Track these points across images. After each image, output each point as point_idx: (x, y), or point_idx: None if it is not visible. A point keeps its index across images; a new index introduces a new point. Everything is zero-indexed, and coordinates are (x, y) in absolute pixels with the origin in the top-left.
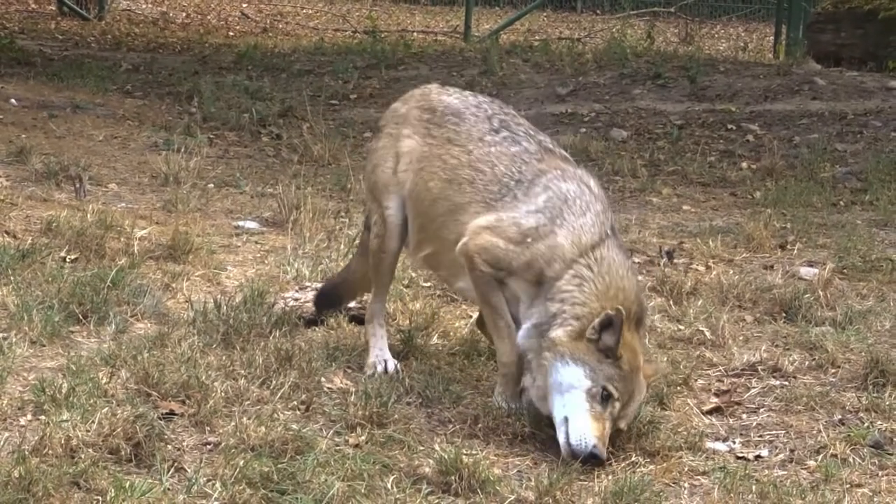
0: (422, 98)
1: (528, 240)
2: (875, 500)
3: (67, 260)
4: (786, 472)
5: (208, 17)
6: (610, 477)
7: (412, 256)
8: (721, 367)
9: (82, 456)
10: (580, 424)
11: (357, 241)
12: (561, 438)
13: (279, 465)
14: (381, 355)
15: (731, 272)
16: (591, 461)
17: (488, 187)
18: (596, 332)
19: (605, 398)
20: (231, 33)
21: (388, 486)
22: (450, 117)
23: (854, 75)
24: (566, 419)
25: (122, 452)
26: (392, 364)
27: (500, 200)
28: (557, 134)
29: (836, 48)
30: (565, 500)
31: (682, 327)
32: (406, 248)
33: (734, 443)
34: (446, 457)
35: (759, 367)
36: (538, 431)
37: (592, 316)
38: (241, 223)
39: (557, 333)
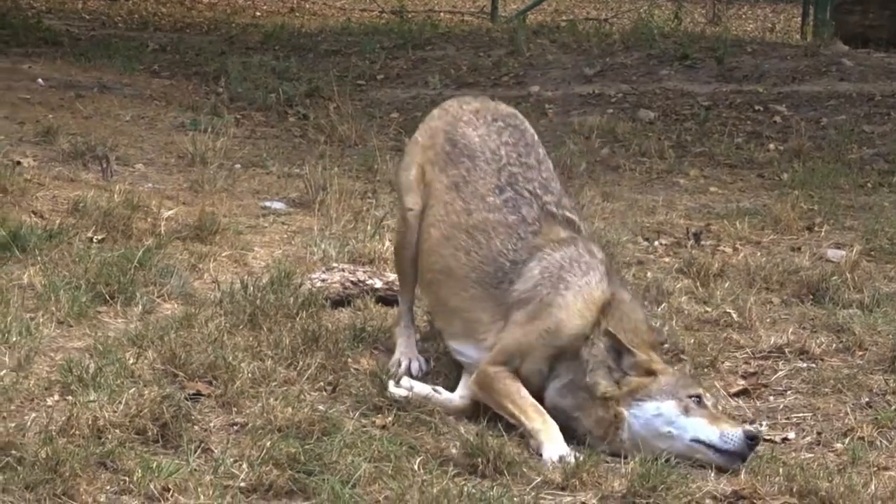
0: (451, 122)
1: (538, 321)
2: None
3: (94, 240)
4: (813, 455)
5: None
6: (637, 459)
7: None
8: (748, 350)
9: (109, 436)
10: (711, 432)
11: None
12: (712, 457)
13: (306, 446)
14: (406, 353)
15: (759, 254)
16: (754, 443)
17: (483, 266)
18: (616, 363)
19: (698, 400)
20: (258, 13)
21: (415, 467)
22: (464, 160)
23: (882, 56)
24: (698, 440)
25: (149, 433)
26: (416, 365)
27: (497, 287)
28: (584, 115)
29: (864, 29)
30: (592, 482)
31: (709, 309)
32: None
33: (761, 425)
34: (472, 439)
35: (787, 350)
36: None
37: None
38: (267, 204)
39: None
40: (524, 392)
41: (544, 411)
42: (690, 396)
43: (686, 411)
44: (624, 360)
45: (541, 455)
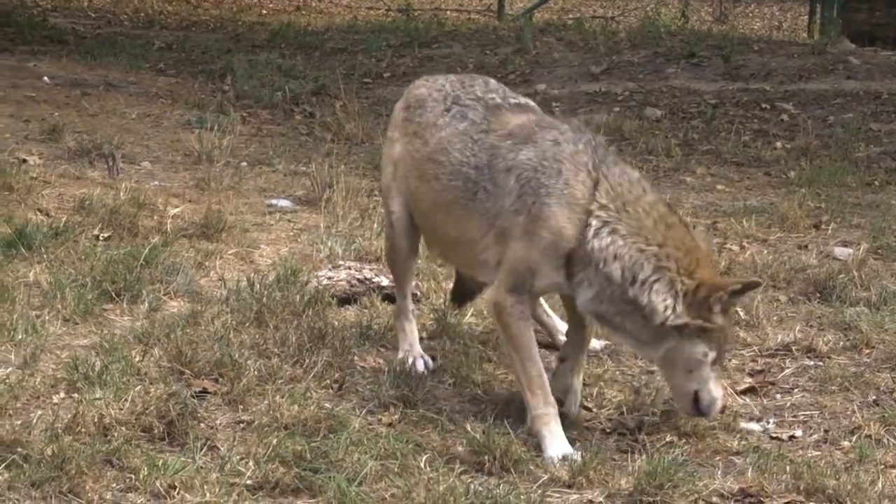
0: (406, 96)
1: (531, 231)
2: None
3: (100, 238)
4: (820, 453)
5: None
6: (644, 456)
7: (430, 253)
8: (755, 348)
9: (115, 434)
10: (709, 392)
11: None
12: (688, 409)
13: (312, 444)
14: (410, 351)
15: (766, 252)
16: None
17: (452, 182)
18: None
19: (716, 359)
20: (264, 11)
21: (421, 465)
22: (417, 110)
23: (889, 55)
24: (698, 393)
25: (155, 431)
26: (421, 363)
27: (473, 199)
28: (591, 112)
29: (871, 27)
30: (599, 480)
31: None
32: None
33: (768, 423)
34: (478, 437)
35: (794, 348)
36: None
37: (658, 254)
38: (274, 201)
39: (666, 303)
40: (536, 356)
41: (550, 394)
42: (720, 353)
43: (712, 364)
44: (688, 300)
45: (541, 447)
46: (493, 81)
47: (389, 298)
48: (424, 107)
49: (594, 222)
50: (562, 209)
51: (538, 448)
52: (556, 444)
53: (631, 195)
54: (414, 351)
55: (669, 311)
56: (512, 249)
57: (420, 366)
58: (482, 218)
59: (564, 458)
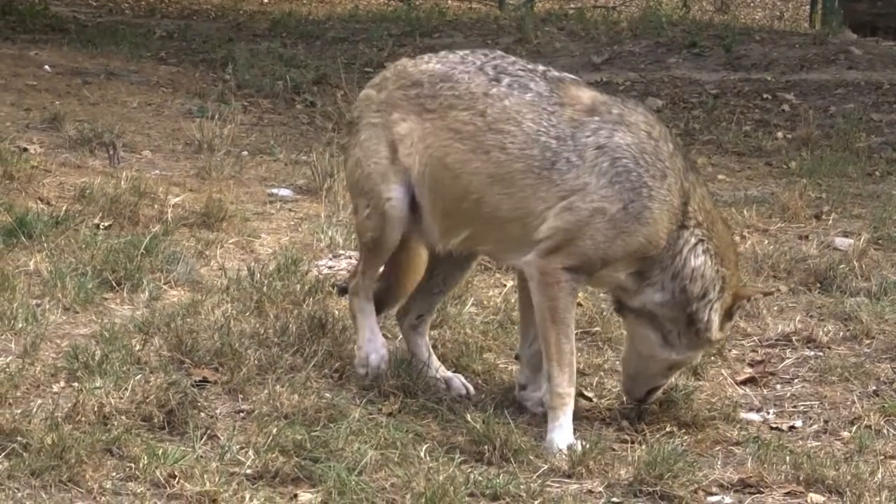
0: (400, 76)
1: (623, 228)
2: None
3: (101, 227)
4: (820, 443)
5: None
6: (643, 447)
7: (439, 244)
8: (755, 338)
9: (115, 423)
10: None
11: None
12: (639, 394)
13: (312, 433)
14: (369, 346)
15: (766, 242)
16: None
17: (526, 151)
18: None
19: None
20: (265, 0)
21: (421, 454)
22: (441, 84)
23: (890, 45)
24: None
25: (155, 419)
26: (377, 357)
27: (552, 168)
28: None
29: (873, 17)
30: (598, 470)
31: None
32: (420, 237)
33: (768, 413)
34: (478, 426)
35: (794, 338)
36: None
37: (725, 276)
38: (274, 191)
39: (719, 320)
40: (573, 334)
41: (575, 376)
42: None
43: None
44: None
45: (548, 427)
46: (499, 53)
47: None
48: (453, 79)
49: (692, 239)
50: (662, 216)
51: (541, 436)
52: (565, 433)
53: (713, 212)
54: (373, 344)
55: (718, 328)
56: (589, 234)
57: (374, 360)
58: (553, 189)
59: (569, 449)
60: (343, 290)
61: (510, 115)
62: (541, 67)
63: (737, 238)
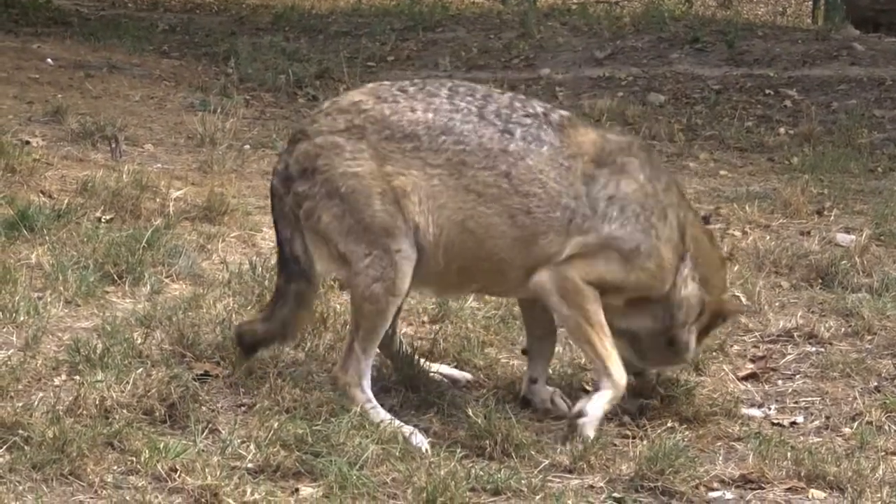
0: (382, 126)
1: (637, 265)
2: None
3: (103, 220)
4: (821, 439)
5: None
6: (645, 442)
7: (443, 295)
8: (757, 333)
9: (116, 416)
10: None
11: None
12: None
13: (313, 427)
14: (407, 430)
15: (768, 238)
16: None
17: (551, 214)
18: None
19: None
20: None
21: (423, 449)
22: (443, 138)
23: (893, 41)
24: None
25: (157, 413)
26: (421, 436)
27: (569, 224)
28: (595, 97)
29: (875, 13)
30: (600, 465)
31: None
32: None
33: (769, 409)
34: (480, 421)
35: (795, 334)
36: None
37: (706, 302)
38: None
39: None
40: (608, 329)
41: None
42: None
43: None
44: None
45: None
46: (469, 85)
47: None
48: (456, 132)
49: (685, 270)
50: (668, 253)
51: (543, 431)
52: (595, 424)
53: (701, 235)
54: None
55: (694, 348)
56: (604, 257)
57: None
58: (569, 238)
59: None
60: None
61: (535, 177)
62: (538, 108)
63: (725, 252)
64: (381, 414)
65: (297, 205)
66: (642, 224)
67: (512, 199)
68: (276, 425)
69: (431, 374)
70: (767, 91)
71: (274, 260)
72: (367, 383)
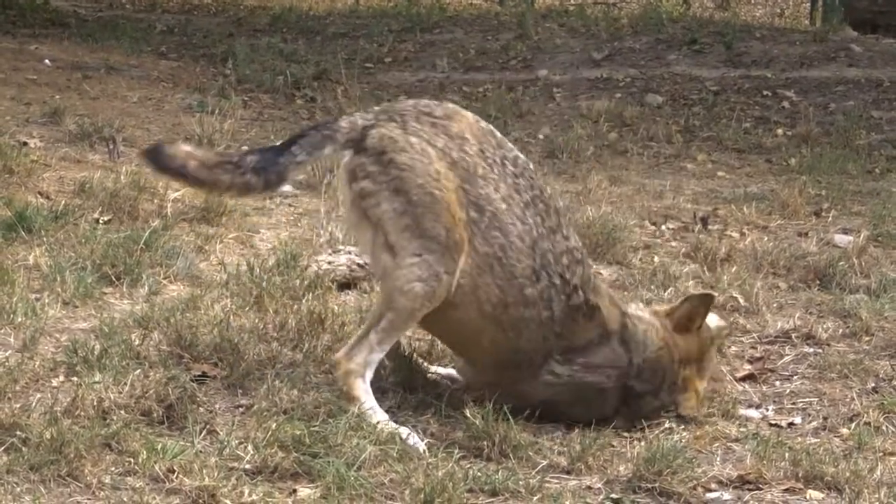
0: (467, 172)
1: None
2: None
3: (100, 221)
4: (819, 440)
5: None
6: (643, 443)
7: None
8: (755, 334)
9: (114, 418)
10: None
11: None
12: None
13: (311, 428)
14: (404, 431)
15: (766, 239)
16: None
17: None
18: None
19: None
20: None
21: (420, 450)
22: (496, 233)
23: (891, 42)
24: None
25: (155, 414)
26: (415, 436)
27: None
28: (592, 99)
29: (873, 15)
30: (598, 466)
31: (715, 294)
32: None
33: (767, 410)
34: (477, 422)
35: (793, 335)
36: None
37: None
38: None
39: None
40: None
41: None
42: None
43: None
44: None
45: None
46: (554, 206)
47: None
48: (505, 235)
49: None
50: None
51: (541, 432)
52: None
53: None
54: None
55: None
56: None
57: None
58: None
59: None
60: (342, 285)
61: (518, 325)
62: (575, 279)
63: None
64: (378, 413)
65: (354, 174)
66: None
67: (493, 326)
68: (273, 426)
69: (429, 375)
70: (765, 92)
71: (271, 261)
72: (369, 376)
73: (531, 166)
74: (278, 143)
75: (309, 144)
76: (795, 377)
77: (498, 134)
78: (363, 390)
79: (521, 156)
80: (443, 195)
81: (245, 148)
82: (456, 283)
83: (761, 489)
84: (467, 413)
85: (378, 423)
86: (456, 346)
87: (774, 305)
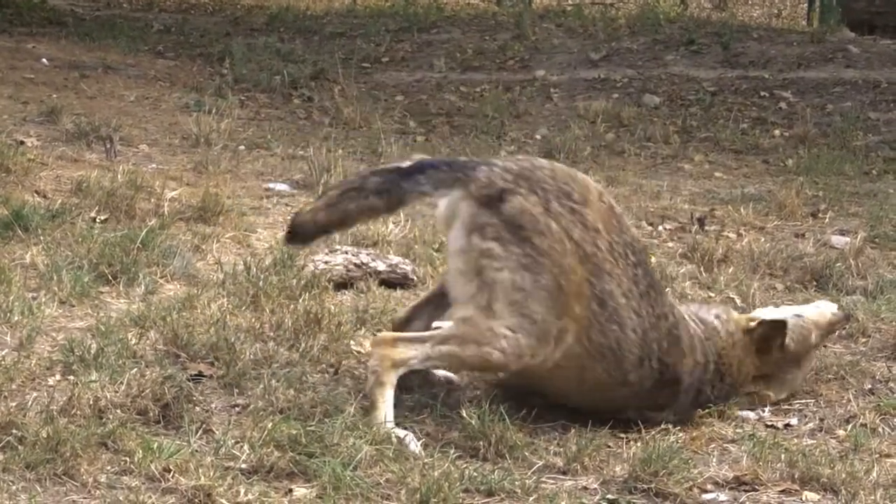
0: (596, 267)
1: None
2: None
3: (97, 220)
4: (815, 441)
5: None
6: (639, 443)
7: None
8: None
9: (110, 417)
10: None
11: None
12: None
13: (307, 428)
14: (401, 432)
15: (763, 240)
16: None
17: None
18: None
19: None
20: None
21: (416, 450)
22: (614, 327)
23: (888, 43)
24: None
25: (151, 414)
26: (414, 441)
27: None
28: (590, 99)
29: (870, 16)
30: (594, 467)
31: (712, 294)
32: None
33: (764, 411)
34: (474, 422)
35: None
36: None
37: None
38: (271, 185)
39: None
40: None
41: None
42: None
43: None
44: None
45: None
46: (672, 308)
47: (386, 283)
48: (620, 328)
49: None
50: None
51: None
52: None
53: None
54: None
55: None
56: None
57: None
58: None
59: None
60: (339, 285)
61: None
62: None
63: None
64: (389, 413)
65: (483, 231)
66: None
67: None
68: (269, 426)
69: (426, 376)
70: (762, 93)
71: (268, 260)
72: (402, 373)
73: (642, 245)
74: (403, 165)
75: (438, 179)
76: None
77: (618, 210)
78: (391, 384)
79: (637, 236)
80: (567, 287)
81: (363, 168)
82: (555, 363)
83: (757, 490)
84: (464, 413)
85: (382, 422)
86: (534, 388)
87: (771, 306)
